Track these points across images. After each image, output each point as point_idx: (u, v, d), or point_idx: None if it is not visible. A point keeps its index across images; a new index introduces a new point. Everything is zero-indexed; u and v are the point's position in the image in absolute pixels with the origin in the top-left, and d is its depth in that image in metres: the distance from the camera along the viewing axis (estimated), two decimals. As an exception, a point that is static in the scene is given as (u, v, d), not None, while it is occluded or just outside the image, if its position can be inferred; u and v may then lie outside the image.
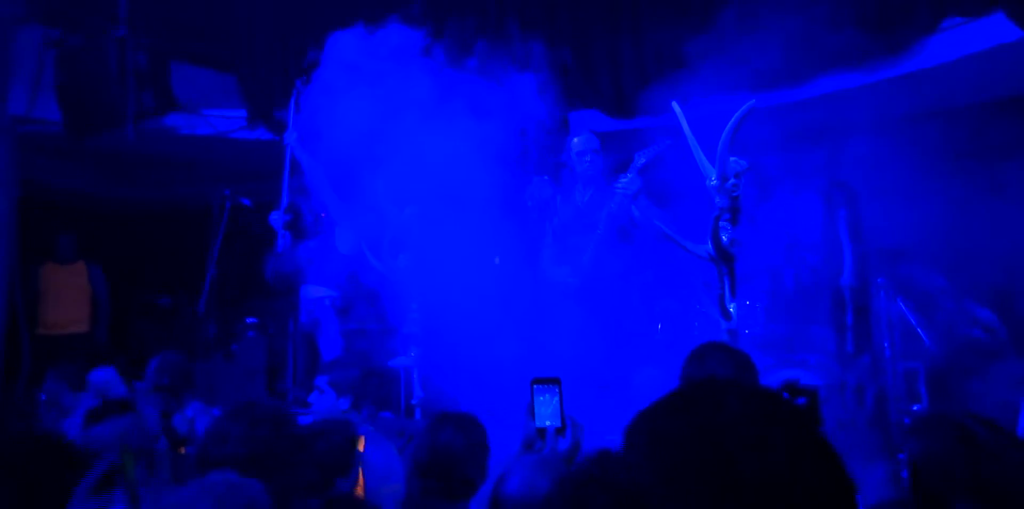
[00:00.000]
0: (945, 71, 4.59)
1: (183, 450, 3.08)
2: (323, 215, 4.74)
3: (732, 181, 3.08)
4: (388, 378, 3.95)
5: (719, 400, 0.97)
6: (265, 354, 5.75)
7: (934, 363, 4.48)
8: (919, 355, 4.47)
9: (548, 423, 1.90)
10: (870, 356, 4.17)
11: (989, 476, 1.59)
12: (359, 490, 2.96)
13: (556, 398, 1.90)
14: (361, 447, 2.36)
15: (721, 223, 3.06)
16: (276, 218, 4.80)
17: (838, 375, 4.30)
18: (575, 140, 4.01)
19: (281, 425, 2.04)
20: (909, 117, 4.81)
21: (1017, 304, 4.64)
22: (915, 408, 4.36)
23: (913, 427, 1.83)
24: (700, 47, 4.82)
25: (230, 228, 5.34)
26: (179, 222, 6.52)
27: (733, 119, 3.06)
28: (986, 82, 4.79)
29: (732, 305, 3.12)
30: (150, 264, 7.01)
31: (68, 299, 6.00)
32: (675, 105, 3.26)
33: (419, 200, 4.13)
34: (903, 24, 4.56)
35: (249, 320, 6.01)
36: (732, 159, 3.10)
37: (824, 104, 5.06)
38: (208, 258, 5.30)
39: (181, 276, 6.35)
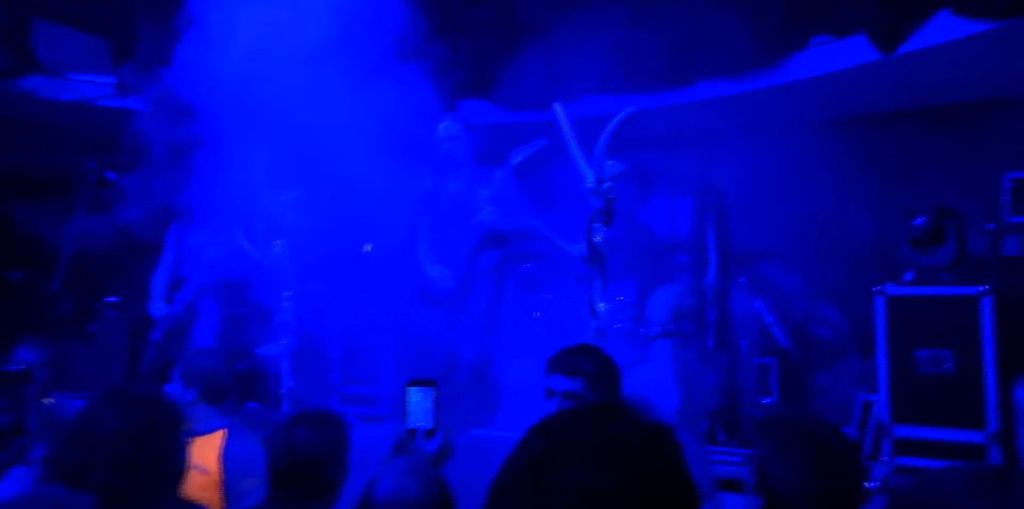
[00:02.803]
0: (812, 85, 4.87)
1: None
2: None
3: (608, 184, 3.17)
4: (255, 367, 3.85)
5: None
6: (125, 336, 5.47)
7: (786, 359, 4.79)
8: (773, 351, 4.77)
9: (420, 424, 1.91)
10: (728, 352, 4.41)
11: (834, 483, 1.68)
12: (218, 485, 2.89)
13: (431, 400, 1.92)
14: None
15: (595, 225, 3.14)
16: (158, 309, 4.59)
17: (699, 370, 4.54)
18: (439, 127, 4.00)
19: (157, 409, 1.96)
20: (778, 126, 5.08)
21: (861, 305, 5.02)
22: (766, 401, 4.66)
23: (762, 428, 1.88)
24: (591, 46, 4.93)
25: (93, 202, 5.02)
26: (37, 192, 6.08)
27: (613, 123, 3.15)
28: (846, 98, 5.13)
29: (601, 304, 3.22)
30: (1, 236, 6.51)
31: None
32: (557, 106, 3.32)
33: (297, 185, 4.02)
34: (779, 38, 4.81)
35: (109, 299, 5.69)
36: (609, 162, 3.19)
37: (702, 109, 5.28)
38: (66, 232, 4.96)
39: (38, 250, 5.93)
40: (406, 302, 4.24)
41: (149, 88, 4.89)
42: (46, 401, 3.15)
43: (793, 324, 4.98)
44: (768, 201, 5.30)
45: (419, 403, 1.92)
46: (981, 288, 3.62)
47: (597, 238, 3.13)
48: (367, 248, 4.97)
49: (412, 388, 1.93)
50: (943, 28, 4.23)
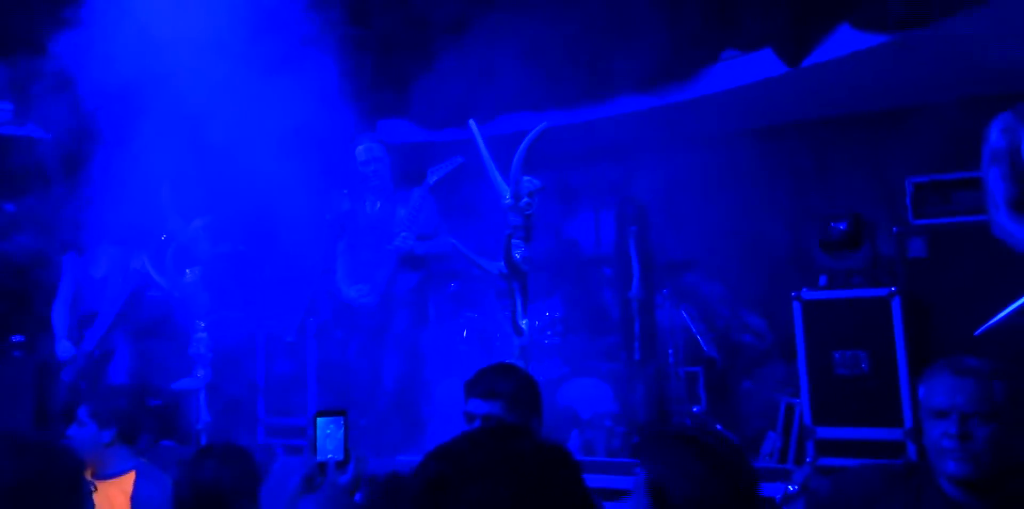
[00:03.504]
0: (724, 98, 4.99)
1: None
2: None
3: (525, 200, 3.16)
4: (169, 403, 3.69)
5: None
6: (32, 377, 5.17)
7: (712, 367, 4.86)
8: (699, 360, 4.83)
9: (330, 456, 1.84)
10: (655, 363, 4.44)
11: (734, 485, 1.68)
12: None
13: (341, 430, 1.85)
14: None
15: (514, 241, 3.12)
16: (64, 350, 4.37)
17: (628, 381, 4.56)
18: (359, 148, 3.94)
19: (52, 457, 1.82)
20: (694, 139, 5.18)
21: (781, 311, 5.13)
22: (695, 410, 4.71)
23: (644, 447, 1.86)
24: (508, 63, 4.94)
25: (-11, 237, 4.77)
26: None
27: (527, 139, 3.15)
28: (758, 109, 5.27)
29: (524, 321, 3.20)
30: None
31: None
32: (471, 123, 3.30)
33: (208, 212, 3.88)
34: (690, 53, 4.91)
35: (15, 338, 5.38)
36: (526, 178, 3.18)
37: (620, 124, 5.35)
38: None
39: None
40: (326, 328, 4.13)
41: (47, 110, 4.68)
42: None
43: (717, 332, 5.06)
44: (688, 212, 5.39)
45: (330, 435, 1.85)
46: (890, 289, 3.73)
47: (516, 254, 3.11)
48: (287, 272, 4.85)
49: (320, 419, 1.86)
50: (844, 41, 4.38)
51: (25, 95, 5.31)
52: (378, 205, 3.87)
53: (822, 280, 3.98)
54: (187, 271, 3.88)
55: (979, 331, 3.03)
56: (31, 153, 4.95)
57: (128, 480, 2.89)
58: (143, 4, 3.84)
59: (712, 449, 1.65)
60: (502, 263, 3.12)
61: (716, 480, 1.63)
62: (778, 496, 2.34)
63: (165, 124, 3.81)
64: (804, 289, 3.95)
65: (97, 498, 2.15)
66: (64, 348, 4.45)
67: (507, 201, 3.15)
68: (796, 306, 3.95)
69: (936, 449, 1.86)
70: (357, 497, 2.25)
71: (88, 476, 2.73)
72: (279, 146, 3.87)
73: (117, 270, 4.34)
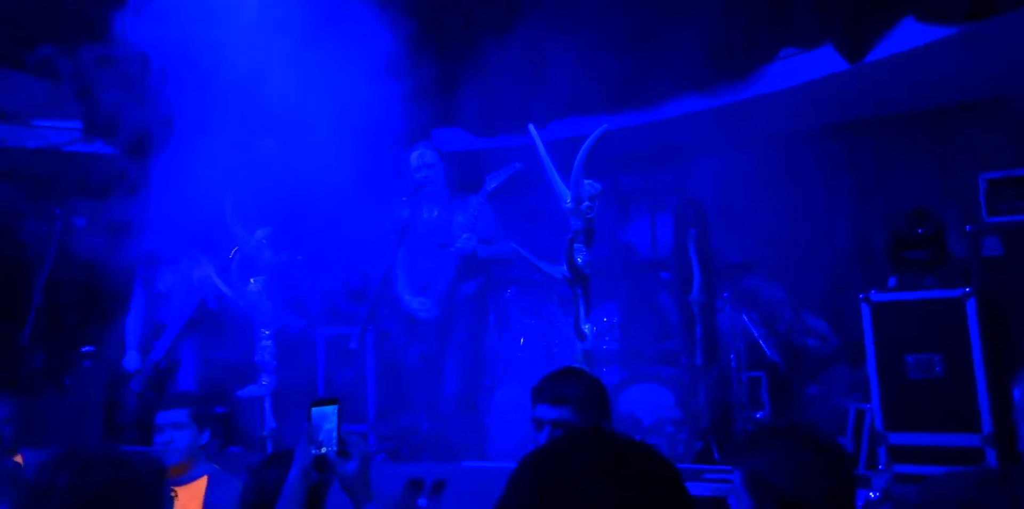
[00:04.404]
0: (783, 97, 4.89)
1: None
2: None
3: (586, 204, 3.14)
4: (236, 410, 3.75)
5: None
6: (103, 386, 5.32)
7: (775, 372, 4.76)
8: (762, 364, 4.73)
9: (324, 449, 1.81)
10: (717, 368, 4.36)
11: (840, 477, 1.64)
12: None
13: (335, 420, 1.82)
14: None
15: (576, 245, 3.10)
16: (131, 361, 4.48)
17: (690, 386, 4.49)
18: (412, 155, 3.96)
19: (120, 468, 1.85)
20: (751, 139, 5.09)
21: (846, 314, 5.00)
22: (758, 416, 4.61)
23: (752, 441, 1.83)
24: (561, 68, 4.93)
25: (61, 251, 4.92)
26: (4, 240, 5.96)
27: (587, 142, 3.13)
28: (818, 107, 5.15)
29: (587, 326, 3.17)
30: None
31: None
32: (531, 127, 3.29)
33: (271, 222, 3.95)
34: (745, 52, 4.84)
35: (84, 349, 5.56)
36: (587, 182, 3.16)
37: (675, 126, 5.29)
38: (35, 283, 4.86)
39: (8, 301, 5.79)
40: (387, 335, 4.16)
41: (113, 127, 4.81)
42: (13, 458, 3.03)
43: (779, 336, 4.95)
44: (747, 213, 5.30)
45: (324, 425, 1.82)
46: (964, 290, 3.60)
47: (579, 259, 3.08)
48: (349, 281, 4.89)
49: (315, 409, 1.83)
50: (908, 35, 4.26)
51: (92, 111, 5.50)
52: (436, 212, 3.89)
53: (891, 281, 3.87)
54: (251, 280, 3.95)
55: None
56: (100, 169, 5.11)
57: (201, 485, 2.94)
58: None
59: (814, 439, 1.62)
60: (565, 267, 3.09)
61: (821, 468, 1.59)
62: (859, 503, 2.26)
63: (226, 135, 3.90)
64: (872, 291, 3.84)
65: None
66: (132, 359, 4.57)
67: (568, 205, 3.13)
68: (864, 308, 3.84)
69: (1035, 454, 1.78)
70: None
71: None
72: (338, 154, 3.92)
73: (182, 282, 4.44)
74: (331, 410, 1.79)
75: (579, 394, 2.25)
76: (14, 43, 5.33)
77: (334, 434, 1.78)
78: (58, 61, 4.80)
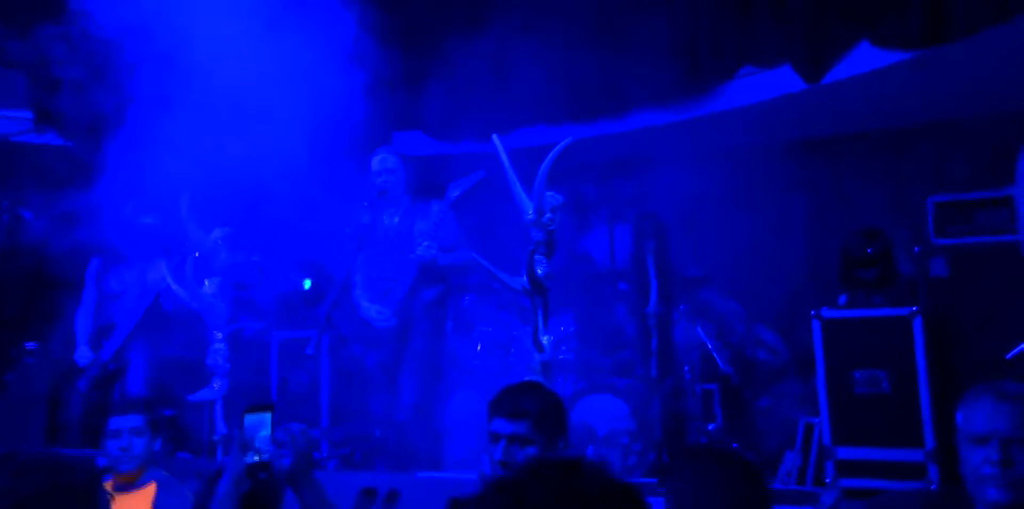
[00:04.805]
0: (742, 113, 4.98)
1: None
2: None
3: (548, 215, 3.15)
4: (185, 413, 3.68)
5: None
6: (47, 384, 5.17)
7: (728, 384, 4.82)
8: (715, 377, 4.79)
9: (256, 458, 1.79)
10: (672, 379, 4.41)
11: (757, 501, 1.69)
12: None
13: (269, 427, 1.80)
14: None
15: (536, 257, 3.11)
16: (83, 356, 4.35)
17: (644, 398, 4.53)
18: (373, 159, 3.94)
19: (56, 474, 1.80)
20: (711, 154, 5.17)
21: (798, 328, 5.11)
22: (711, 427, 4.67)
23: (672, 465, 1.89)
24: (527, 76, 4.95)
25: (6, 243, 4.77)
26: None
27: (551, 155, 3.14)
28: (776, 125, 5.26)
29: (546, 337, 3.18)
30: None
31: None
32: (495, 137, 3.29)
33: (228, 222, 3.88)
34: (708, 69, 4.92)
35: (28, 345, 5.39)
36: (549, 194, 3.17)
37: (637, 138, 5.34)
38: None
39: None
40: (344, 341, 4.12)
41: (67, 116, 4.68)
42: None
43: (733, 348, 5.02)
44: (705, 227, 5.37)
45: (258, 432, 1.80)
46: (911, 309, 3.71)
47: (539, 271, 3.10)
48: (307, 284, 4.84)
49: (248, 415, 1.81)
50: (864, 58, 4.37)
51: (44, 99, 5.34)
52: (396, 219, 3.87)
53: (842, 299, 3.96)
54: (206, 282, 3.87)
55: (1011, 354, 3.00)
56: (50, 161, 4.97)
57: (150, 492, 2.89)
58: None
59: (728, 458, 1.66)
60: (525, 279, 3.10)
61: (736, 486, 1.64)
62: (806, 519, 2.31)
63: (183, 128, 3.82)
64: (824, 308, 3.93)
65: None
66: (83, 354, 4.46)
67: (530, 216, 3.14)
68: (815, 324, 3.92)
69: (975, 476, 1.83)
70: None
71: (109, 487, 2.73)
72: (298, 153, 3.87)
73: (136, 282, 4.34)
74: (266, 417, 1.78)
75: (537, 409, 2.26)
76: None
77: (268, 441, 1.76)
78: (9, 45, 4.67)
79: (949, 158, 4.48)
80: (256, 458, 1.76)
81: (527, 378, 3.00)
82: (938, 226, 3.87)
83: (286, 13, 3.87)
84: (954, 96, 4.71)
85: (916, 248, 3.89)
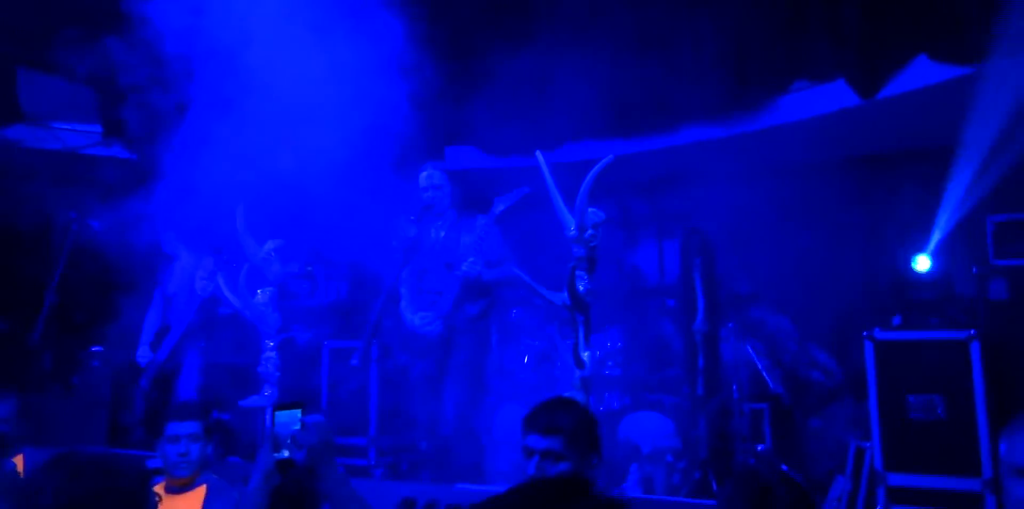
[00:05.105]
0: (795, 129, 4.91)
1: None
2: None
3: (590, 232, 3.15)
4: (237, 418, 3.78)
5: None
6: (110, 386, 5.37)
7: (778, 404, 4.73)
8: (765, 396, 4.71)
9: (287, 453, 1.83)
10: (719, 398, 4.35)
11: None
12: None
13: (298, 424, 1.83)
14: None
15: (578, 272, 3.12)
16: (143, 355, 4.54)
17: (690, 415, 4.47)
18: (421, 175, 4.00)
19: (108, 476, 1.88)
20: (763, 169, 5.10)
21: (852, 348, 4.99)
22: (760, 448, 4.58)
23: (724, 486, 1.87)
24: (576, 91, 4.96)
25: (75, 252, 4.99)
26: (17, 241, 6.04)
27: (593, 171, 3.15)
28: (829, 141, 5.16)
29: (586, 353, 3.18)
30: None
31: None
32: (539, 154, 3.32)
33: (280, 234, 4.00)
34: (758, 84, 4.85)
35: (93, 349, 5.62)
36: (591, 210, 3.18)
37: (687, 153, 5.31)
38: (48, 283, 4.92)
39: (18, 299, 5.85)
40: (389, 351, 4.18)
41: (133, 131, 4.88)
42: (12, 459, 3.05)
43: (784, 368, 4.92)
44: (756, 243, 5.29)
45: (288, 429, 1.84)
46: (969, 332, 3.59)
47: (580, 286, 3.10)
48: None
49: (279, 412, 1.84)
50: (922, 73, 4.27)
51: (112, 114, 5.58)
52: (443, 233, 3.92)
53: (896, 320, 3.86)
54: (259, 292, 3.99)
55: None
56: (116, 172, 5.18)
57: (200, 494, 2.96)
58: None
59: (781, 481, 1.64)
60: (566, 294, 3.11)
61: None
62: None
63: (238, 145, 3.95)
64: (877, 329, 3.83)
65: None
66: (144, 353, 4.63)
67: (572, 233, 3.15)
68: (868, 346, 3.83)
69: (1020, 510, 1.77)
70: None
71: (160, 489, 2.82)
72: (350, 169, 3.96)
73: (185, 285, 4.49)
74: (296, 414, 1.82)
75: (571, 425, 2.26)
76: (38, 43, 5.43)
77: (298, 438, 1.81)
78: (80, 59, 4.90)
79: (1011, 176, 4.32)
80: (286, 454, 1.80)
81: (566, 393, 2.99)
82: (998, 246, 3.74)
83: (335, 28, 3.97)
84: (1015, 112, 4.55)
85: (975, 269, 3.76)
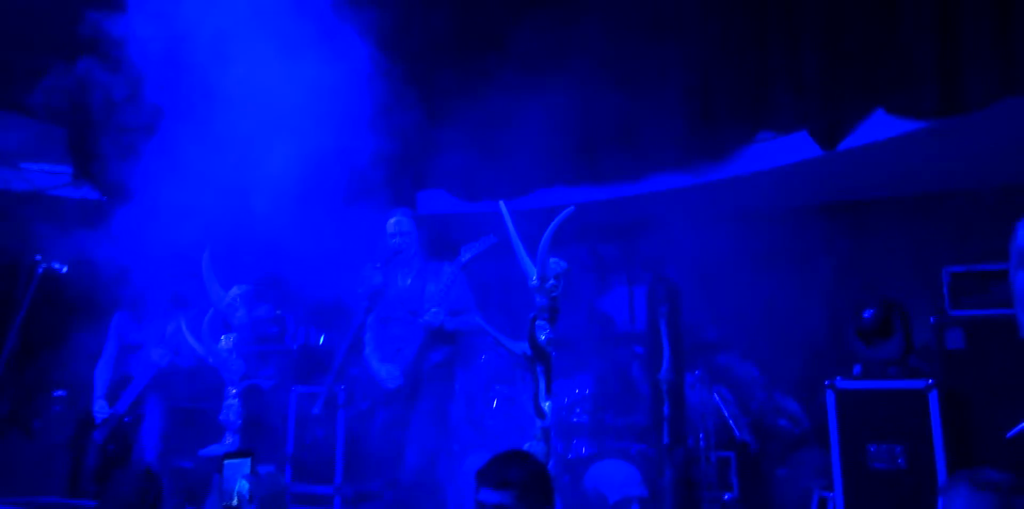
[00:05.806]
0: (760, 178, 5.01)
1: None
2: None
3: (551, 282, 3.17)
4: (197, 471, 3.71)
5: None
6: (72, 432, 5.27)
7: (745, 452, 4.72)
8: (731, 444, 4.70)
9: (236, 503, 1.83)
10: (684, 447, 4.34)
11: None
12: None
13: (248, 473, 1.84)
14: None
15: (539, 322, 3.12)
16: (100, 409, 4.50)
17: (656, 464, 4.45)
18: (389, 221, 4.03)
19: None
20: (729, 217, 5.19)
21: (819, 396, 5.01)
22: (727, 497, 4.56)
23: None
24: (544, 138, 5.05)
25: (39, 295, 4.93)
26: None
27: (554, 223, 3.17)
28: (794, 190, 5.27)
29: (547, 403, 3.17)
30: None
31: None
32: (501, 204, 3.35)
33: (245, 281, 3.98)
34: (725, 134, 4.97)
35: (56, 393, 5.53)
36: (553, 260, 3.20)
37: (655, 200, 5.39)
38: (8, 327, 4.85)
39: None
40: (353, 399, 4.15)
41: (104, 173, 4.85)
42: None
43: (751, 415, 4.93)
44: (723, 291, 5.35)
45: (237, 477, 1.84)
46: (927, 381, 3.63)
47: (541, 336, 3.10)
48: (322, 340, 4.91)
49: (227, 461, 1.85)
50: (880, 126, 4.39)
51: (83, 156, 5.58)
52: (408, 280, 3.93)
53: (856, 369, 3.90)
54: (222, 338, 3.95)
55: (1011, 433, 2.92)
56: (84, 214, 5.17)
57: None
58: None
59: None
60: (526, 344, 3.11)
61: None
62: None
63: (205, 191, 3.95)
64: (838, 378, 3.87)
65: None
66: (100, 407, 4.53)
67: (533, 282, 3.17)
68: (829, 395, 3.86)
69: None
70: None
71: None
72: (319, 214, 3.98)
73: (155, 335, 4.44)
74: (245, 463, 1.83)
75: (523, 479, 2.26)
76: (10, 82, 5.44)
77: (246, 487, 1.80)
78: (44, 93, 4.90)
79: (969, 227, 4.42)
80: (235, 503, 1.80)
81: (527, 444, 2.98)
82: (954, 297, 3.81)
83: (303, 71, 4.02)
84: (973, 165, 4.68)
85: (932, 319, 3.83)
